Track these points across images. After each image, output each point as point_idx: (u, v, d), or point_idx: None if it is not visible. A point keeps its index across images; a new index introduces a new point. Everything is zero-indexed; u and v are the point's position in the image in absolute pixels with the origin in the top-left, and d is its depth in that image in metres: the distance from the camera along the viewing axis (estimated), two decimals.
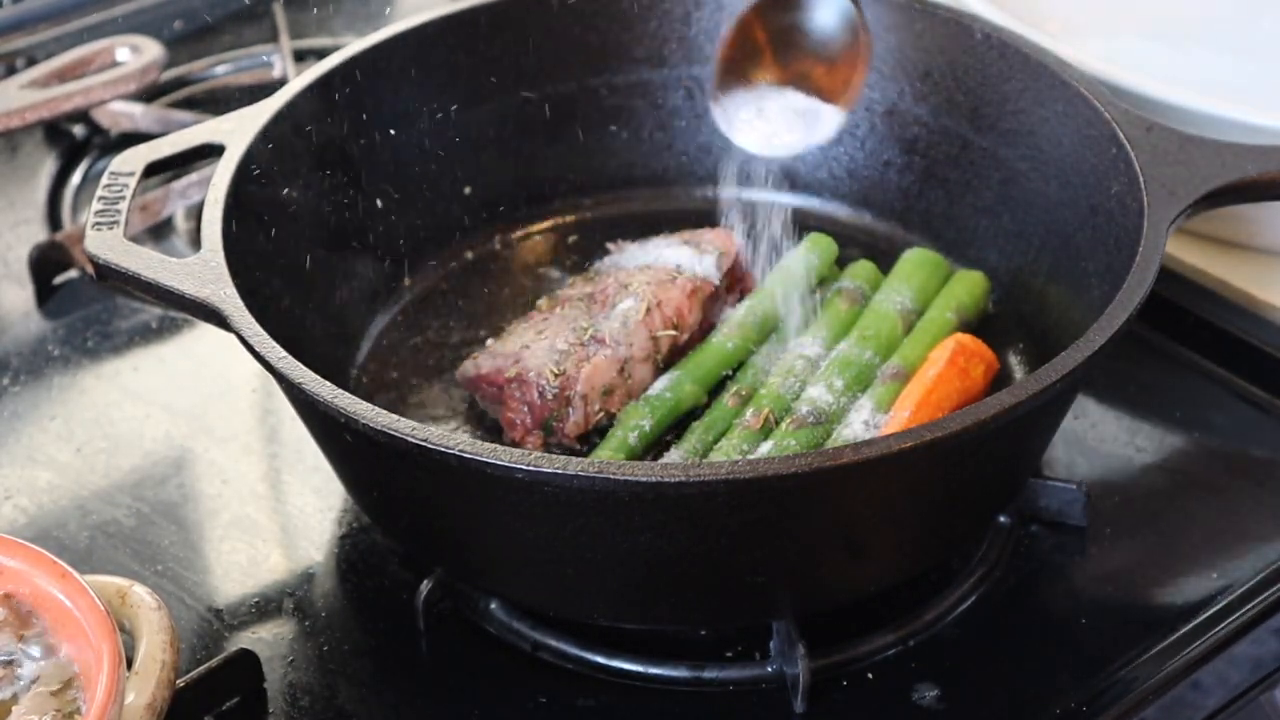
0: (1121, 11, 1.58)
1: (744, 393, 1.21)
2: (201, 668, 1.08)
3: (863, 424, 1.17)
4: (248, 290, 1.10)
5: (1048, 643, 1.13)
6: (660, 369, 1.23)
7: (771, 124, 1.25)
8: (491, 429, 1.23)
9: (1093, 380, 1.25)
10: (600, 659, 1.11)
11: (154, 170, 1.20)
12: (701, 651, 1.11)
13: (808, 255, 1.31)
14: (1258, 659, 1.14)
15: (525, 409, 1.19)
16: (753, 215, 1.31)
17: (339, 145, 1.29)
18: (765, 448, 1.16)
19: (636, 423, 1.18)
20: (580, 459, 0.99)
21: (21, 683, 0.95)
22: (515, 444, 1.19)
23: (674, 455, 1.17)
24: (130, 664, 0.99)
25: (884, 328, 1.24)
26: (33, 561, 0.98)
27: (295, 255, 1.24)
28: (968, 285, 1.28)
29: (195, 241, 1.18)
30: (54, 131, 1.59)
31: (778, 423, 1.18)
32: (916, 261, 1.29)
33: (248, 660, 1.10)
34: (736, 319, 1.26)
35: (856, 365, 1.21)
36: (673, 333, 1.24)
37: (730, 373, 1.24)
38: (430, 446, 0.99)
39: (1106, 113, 1.21)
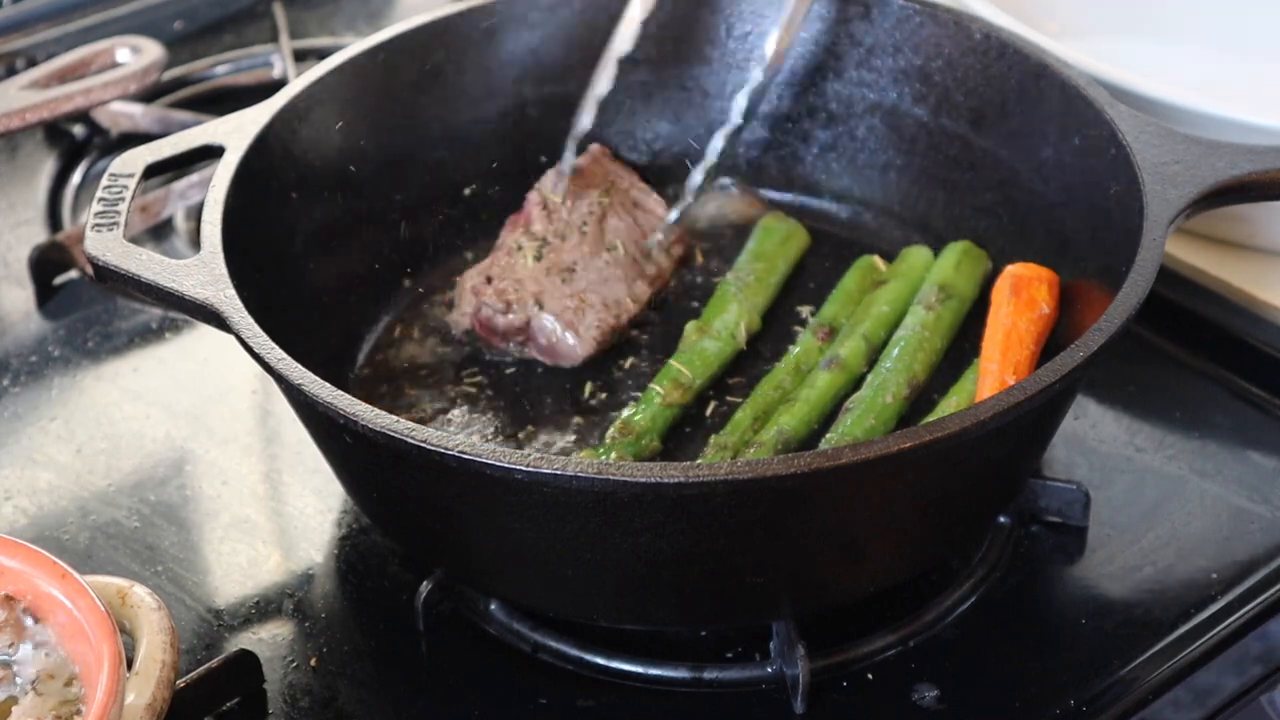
0: (1121, 11, 1.58)
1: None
2: (201, 668, 1.08)
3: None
4: (247, 291, 1.10)
5: (1048, 643, 1.13)
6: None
7: None
8: (490, 430, 1.23)
9: (1093, 380, 1.25)
10: (600, 660, 1.11)
11: (154, 171, 1.20)
12: (702, 652, 1.12)
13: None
14: (1257, 659, 1.14)
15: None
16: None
17: (339, 146, 1.29)
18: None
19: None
20: (580, 460, 0.99)
21: (21, 683, 0.96)
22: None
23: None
24: (130, 664, 0.99)
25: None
26: (33, 562, 0.98)
27: (295, 256, 1.24)
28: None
29: (195, 242, 1.18)
30: (54, 132, 1.59)
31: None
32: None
33: (248, 661, 1.10)
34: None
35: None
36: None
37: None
38: (430, 447, 0.99)
39: (1106, 113, 1.21)
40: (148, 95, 1.58)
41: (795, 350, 1.25)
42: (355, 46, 1.31)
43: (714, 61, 1.39)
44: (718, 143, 1.31)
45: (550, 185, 1.34)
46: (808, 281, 1.34)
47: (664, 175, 1.40)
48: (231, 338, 1.08)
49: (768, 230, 1.35)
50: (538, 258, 1.28)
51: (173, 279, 1.10)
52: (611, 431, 1.19)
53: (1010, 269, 1.24)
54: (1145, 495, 1.22)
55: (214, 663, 1.09)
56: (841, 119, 1.38)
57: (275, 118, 1.23)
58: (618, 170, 1.37)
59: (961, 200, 1.34)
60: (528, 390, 1.26)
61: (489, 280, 1.28)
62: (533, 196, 1.33)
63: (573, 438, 1.22)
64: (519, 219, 1.32)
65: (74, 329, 1.39)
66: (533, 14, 1.37)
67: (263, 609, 1.16)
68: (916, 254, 1.31)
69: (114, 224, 1.13)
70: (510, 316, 1.26)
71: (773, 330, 1.30)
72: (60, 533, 1.22)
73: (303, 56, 1.67)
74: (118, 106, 1.55)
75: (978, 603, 1.15)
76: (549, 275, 1.28)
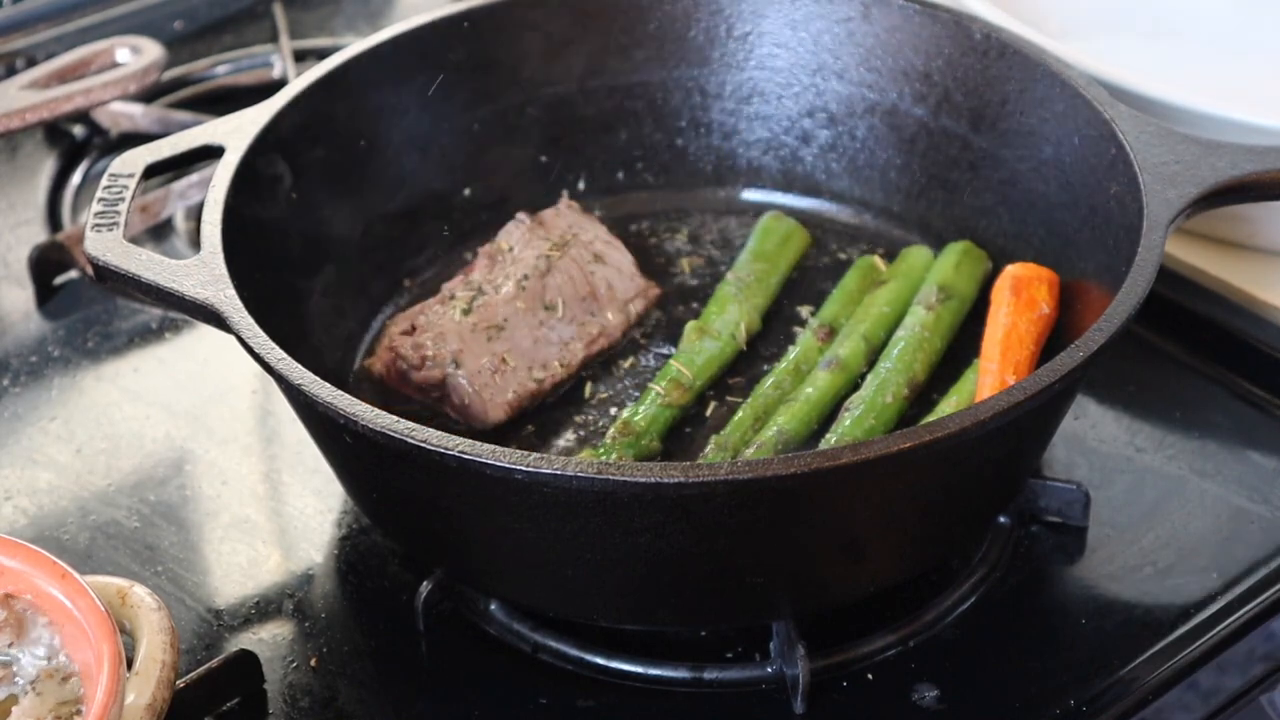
0: (1121, 11, 1.58)
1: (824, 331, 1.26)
2: (201, 668, 1.08)
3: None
4: (247, 291, 1.10)
5: (1048, 643, 1.13)
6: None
7: None
8: (490, 430, 1.23)
9: (1093, 380, 1.25)
10: (600, 660, 1.11)
11: (154, 171, 1.20)
12: (701, 652, 1.12)
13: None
14: (1257, 659, 1.14)
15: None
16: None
17: (338, 146, 1.29)
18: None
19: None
20: (580, 460, 0.99)
21: (21, 683, 0.96)
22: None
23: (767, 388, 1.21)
24: (130, 664, 0.99)
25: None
26: (33, 562, 0.98)
27: (295, 256, 1.24)
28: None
29: (195, 242, 1.19)
30: (54, 132, 1.59)
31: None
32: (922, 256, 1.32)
33: (248, 661, 1.10)
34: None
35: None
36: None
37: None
38: (430, 447, 0.99)
39: (1106, 113, 1.21)
40: (148, 95, 1.58)
41: (795, 350, 1.25)
42: (355, 46, 1.31)
43: (714, 61, 1.39)
44: None
45: (509, 234, 1.31)
46: (808, 281, 1.34)
47: (661, 175, 1.41)
48: (231, 338, 1.08)
49: (768, 230, 1.35)
50: (466, 311, 1.24)
51: (173, 279, 1.10)
52: (611, 431, 1.19)
53: (1010, 269, 1.24)
54: (1145, 495, 1.22)
55: (214, 663, 1.09)
56: (841, 119, 1.38)
57: (275, 118, 1.23)
58: (584, 223, 1.33)
59: (961, 200, 1.34)
60: None
61: (412, 329, 1.24)
62: (485, 248, 1.30)
63: (573, 438, 1.22)
64: (470, 268, 1.30)
65: (74, 329, 1.39)
66: (532, 15, 1.37)
67: (263, 609, 1.16)
68: (916, 254, 1.32)
69: (114, 224, 1.13)
70: (424, 372, 1.22)
71: (773, 330, 1.30)
72: (60, 533, 1.22)
73: (302, 56, 1.67)
74: (118, 106, 1.55)
75: (978, 603, 1.15)
76: (474, 331, 1.23)
